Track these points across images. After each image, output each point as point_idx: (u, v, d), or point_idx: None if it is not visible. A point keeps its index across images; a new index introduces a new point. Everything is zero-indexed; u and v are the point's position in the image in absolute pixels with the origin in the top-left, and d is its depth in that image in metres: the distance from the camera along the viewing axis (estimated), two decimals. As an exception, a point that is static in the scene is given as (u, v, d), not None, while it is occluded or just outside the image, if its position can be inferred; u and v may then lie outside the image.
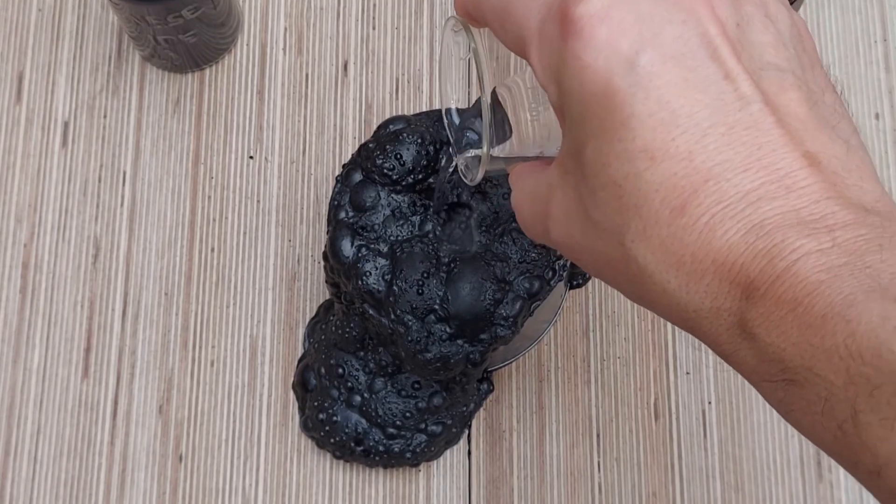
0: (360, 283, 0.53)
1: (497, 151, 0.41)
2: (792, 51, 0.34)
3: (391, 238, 0.54)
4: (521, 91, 0.41)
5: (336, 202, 0.55)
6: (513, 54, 0.37)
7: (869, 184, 0.32)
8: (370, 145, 0.55)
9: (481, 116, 0.39)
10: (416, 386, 0.58)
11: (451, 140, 0.45)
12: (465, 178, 0.44)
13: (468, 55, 0.40)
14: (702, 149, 0.31)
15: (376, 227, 0.54)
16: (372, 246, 0.54)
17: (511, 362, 0.61)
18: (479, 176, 0.41)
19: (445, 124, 0.45)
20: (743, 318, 0.31)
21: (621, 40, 0.32)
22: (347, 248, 0.54)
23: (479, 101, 0.40)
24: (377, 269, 0.53)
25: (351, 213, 0.55)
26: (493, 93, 0.41)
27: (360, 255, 0.54)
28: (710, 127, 0.31)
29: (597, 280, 0.63)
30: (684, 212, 0.31)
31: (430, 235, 0.55)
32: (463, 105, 0.45)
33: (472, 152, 0.43)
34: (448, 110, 0.44)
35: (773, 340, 0.31)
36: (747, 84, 0.32)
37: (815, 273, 0.30)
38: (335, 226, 0.54)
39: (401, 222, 0.54)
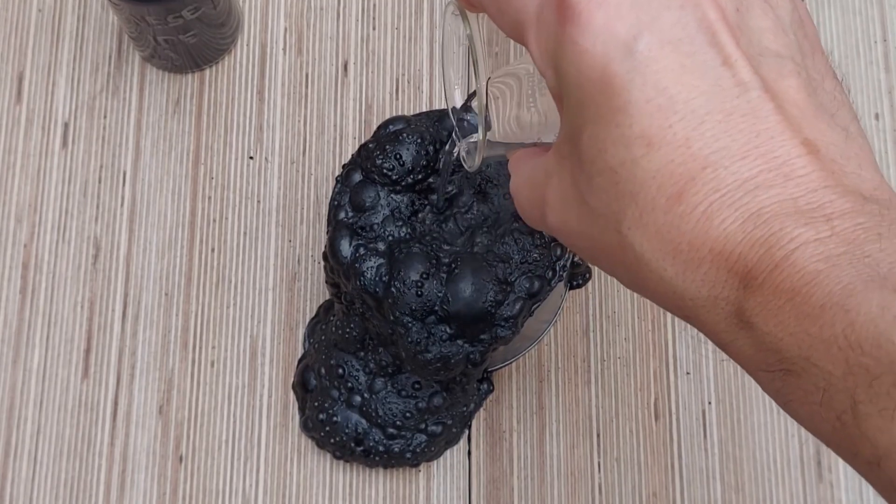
0: (358, 282, 0.53)
1: (495, 138, 0.41)
2: (792, 36, 0.33)
3: (389, 238, 0.54)
4: (518, 77, 0.41)
5: (336, 202, 0.55)
6: (511, 40, 0.37)
7: (868, 171, 0.32)
8: (370, 145, 0.55)
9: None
10: (417, 386, 0.58)
11: (454, 125, 0.45)
12: (465, 164, 0.44)
13: (465, 41, 0.39)
14: (699, 136, 0.31)
15: (375, 226, 0.54)
16: (370, 245, 0.54)
17: (511, 362, 0.61)
18: (478, 162, 0.41)
19: (448, 109, 0.45)
20: (740, 308, 0.31)
21: (618, 25, 0.32)
22: (346, 247, 0.54)
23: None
24: (374, 268, 0.53)
25: (350, 214, 0.55)
26: (492, 78, 0.41)
27: (357, 254, 0.54)
28: (708, 114, 0.31)
29: (597, 280, 0.63)
30: (681, 199, 0.31)
31: (428, 237, 0.54)
32: (466, 89, 0.45)
33: (472, 138, 0.43)
34: (451, 95, 0.44)
35: (771, 330, 0.30)
36: (746, 70, 0.32)
37: (814, 262, 0.30)
38: (334, 226, 0.55)
39: (400, 223, 0.54)
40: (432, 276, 0.53)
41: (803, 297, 0.30)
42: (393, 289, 0.52)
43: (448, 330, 0.53)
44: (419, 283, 0.53)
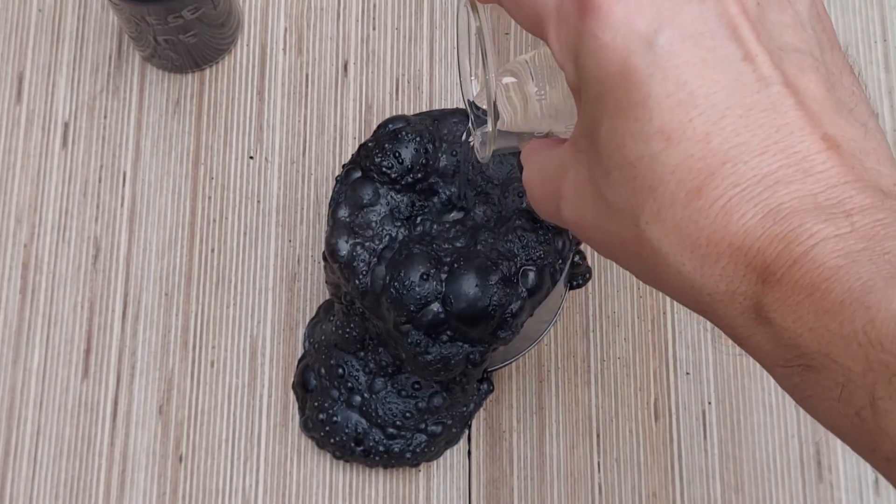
0: (357, 281, 0.53)
1: (506, 128, 0.41)
2: (811, 31, 0.33)
3: (387, 237, 0.54)
4: (532, 67, 0.41)
5: (335, 201, 0.55)
6: (519, 31, 0.37)
7: (886, 167, 0.32)
8: (369, 144, 0.55)
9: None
10: (417, 386, 0.58)
11: (470, 116, 0.45)
12: (478, 154, 0.44)
13: (476, 33, 0.40)
14: (719, 130, 0.31)
15: (373, 224, 0.54)
16: (367, 244, 0.54)
17: (511, 362, 0.61)
18: (489, 153, 0.41)
19: (464, 100, 0.45)
20: (759, 303, 0.31)
21: (639, 19, 0.32)
22: (343, 246, 0.54)
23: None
24: (370, 267, 0.53)
25: (349, 212, 0.55)
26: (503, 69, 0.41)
27: (354, 253, 0.53)
28: (728, 108, 0.31)
29: (597, 280, 0.63)
30: (700, 194, 0.31)
31: (428, 237, 0.54)
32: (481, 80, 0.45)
33: (485, 128, 0.43)
34: (467, 87, 0.44)
35: (790, 326, 0.31)
36: (767, 65, 0.31)
37: (833, 258, 0.30)
38: (333, 225, 0.55)
39: (399, 223, 0.54)
40: (432, 276, 0.53)
41: (823, 292, 0.30)
42: (392, 289, 0.52)
43: (448, 331, 0.53)
44: (418, 284, 0.52)
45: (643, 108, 0.31)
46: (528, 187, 0.39)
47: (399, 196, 0.55)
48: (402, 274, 0.52)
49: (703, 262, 0.32)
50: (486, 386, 0.60)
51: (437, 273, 0.53)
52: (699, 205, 0.31)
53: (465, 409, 0.59)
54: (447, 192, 0.55)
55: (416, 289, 0.52)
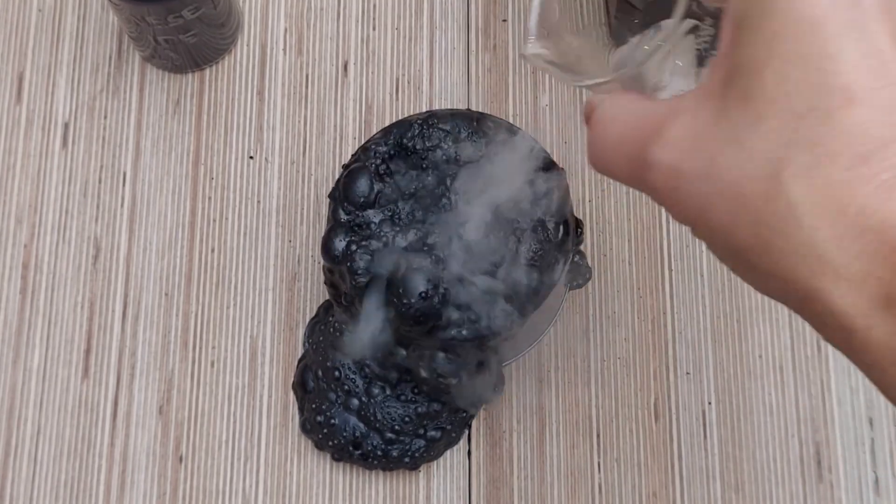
0: (353, 282, 0.53)
1: (623, 74, 0.39)
2: None
3: (384, 239, 0.54)
4: (662, 35, 0.39)
5: (333, 201, 0.55)
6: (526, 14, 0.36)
7: None
8: (375, 146, 0.56)
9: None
10: (416, 391, 0.58)
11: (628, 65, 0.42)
12: (631, 63, 0.42)
13: None
14: None
15: (372, 226, 0.54)
16: (363, 243, 0.54)
17: (511, 363, 0.61)
18: (643, 59, 0.39)
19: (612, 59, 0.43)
20: (893, 292, 0.30)
21: None
22: (338, 245, 0.54)
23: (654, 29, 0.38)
24: (366, 265, 0.53)
25: (347, 212, 0.55)
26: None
27: (350, 251, 0.53)
28: None
29: (597, 280, 0.63)
30: (867, 161, 0.30)
31: (428, 241, 0.54)
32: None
33: (585, 81, 0.41)
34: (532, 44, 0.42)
35: None
36: None
37: None
38: (330, 225, 0.55)
39: (398, 227, 0.54)
40: (431, 293, 0.52)
41: None
42: (392, 306, 0.53)
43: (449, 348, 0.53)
44: (419, 302, 0.52)
45: (832, 61, 0.30)
46: (603, 125, 0.36)
47: (401, 203, 0.55)
48: (401, 291, 0.52)
49: (846, 231, 0.30)
50: (486, 386, 0.60)
51: (436, 290, 0.53)
52: (862, 171, 0.30)
53: (464, 414, 0.59)
54: (448, 198, 0.55)
55: (416, 307, 0.52)
